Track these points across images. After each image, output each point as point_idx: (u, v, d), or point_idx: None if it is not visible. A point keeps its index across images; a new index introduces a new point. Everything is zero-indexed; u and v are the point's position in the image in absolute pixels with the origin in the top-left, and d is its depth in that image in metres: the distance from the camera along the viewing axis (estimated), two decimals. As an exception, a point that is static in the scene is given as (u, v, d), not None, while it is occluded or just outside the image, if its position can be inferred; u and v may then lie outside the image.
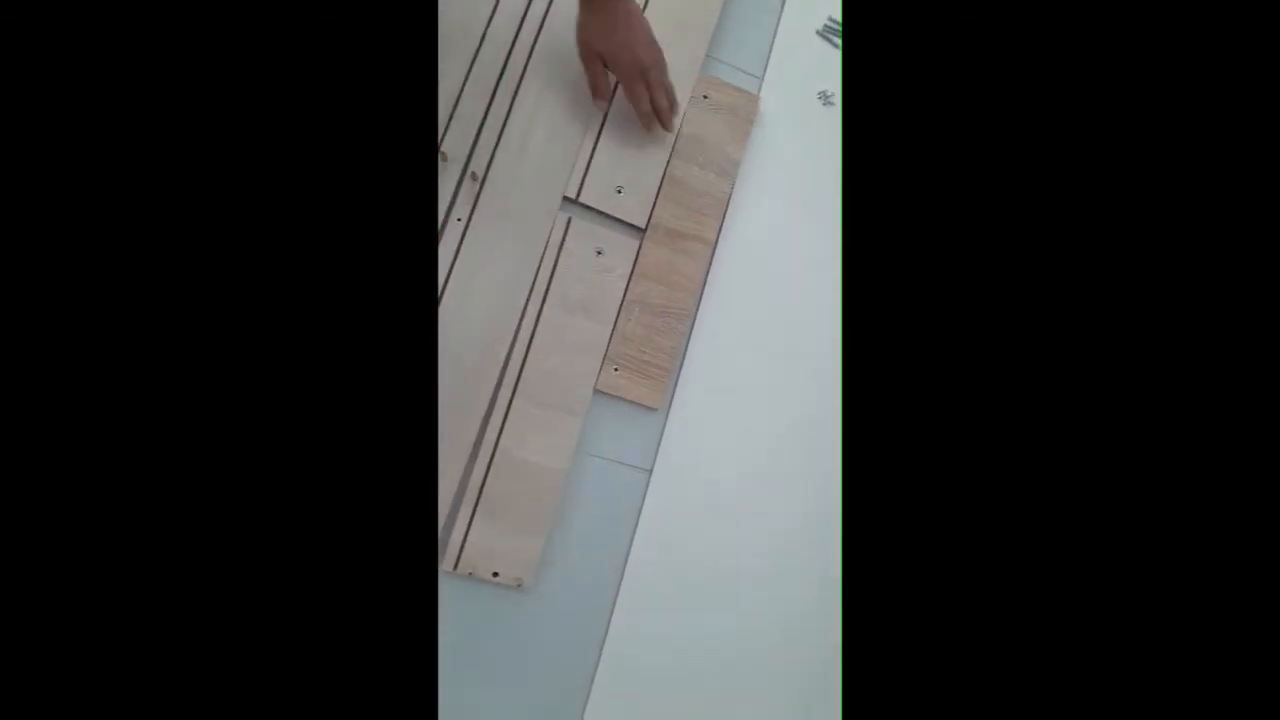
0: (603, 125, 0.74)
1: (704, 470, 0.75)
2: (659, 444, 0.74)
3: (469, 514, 0.66)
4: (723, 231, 0.77)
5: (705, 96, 0.77)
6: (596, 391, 0.71)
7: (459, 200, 0.68)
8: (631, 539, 0.73)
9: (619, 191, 0.72)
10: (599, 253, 0.72)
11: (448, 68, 0.70)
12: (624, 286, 0.73)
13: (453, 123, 0.70)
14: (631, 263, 0.73)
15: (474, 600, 0.67)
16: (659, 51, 0.68)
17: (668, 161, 0.75)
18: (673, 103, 0.71)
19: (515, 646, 0.69)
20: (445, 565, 0.65)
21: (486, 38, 0.72)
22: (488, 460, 0.67)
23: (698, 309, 0.76)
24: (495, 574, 0.67)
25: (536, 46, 0.73)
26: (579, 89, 0.72)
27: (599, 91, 0.70)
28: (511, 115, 0.71)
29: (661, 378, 0.74)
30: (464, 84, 0.71)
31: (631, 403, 0.73)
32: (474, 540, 0.66)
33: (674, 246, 0.75)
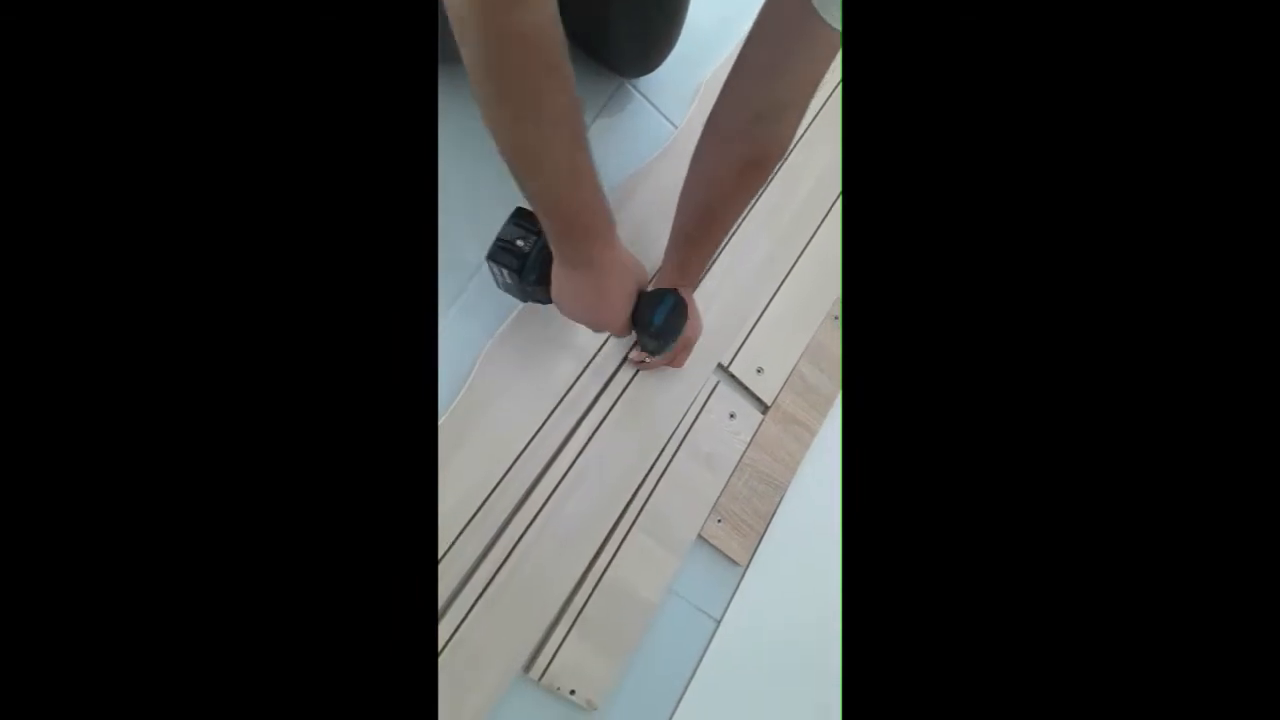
0: (768, 304, 0.85)
1: (768, 632, 0.82)
2: (732, 597, 0.81)
3: (565, 630, 0.69)
4: (823, 428, 0.89)
5: (835, 317, 0.92)
6: (698, 538, 0.78)
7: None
8: (688, 683, 0.78)
9: (759, 371, 0.84)
10: (731, 416, 0.82)
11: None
12: (743, 450, 0.82)
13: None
14: (753, 432, 0.83)
15: (541, 709, 0.69)
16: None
17: (797, 360, 0.88)
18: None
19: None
20: (532, 674, 0.68)
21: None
22: (594, 583, 0.71)
23: (789, 485, 0.86)
24: (572, 691, 0.69)
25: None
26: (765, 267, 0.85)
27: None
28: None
29: (752, 536, 0.82)
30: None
31: (721, 553, 0.80)
32: (564, 655, 0.69)
33: (786, 428, 0.86)
